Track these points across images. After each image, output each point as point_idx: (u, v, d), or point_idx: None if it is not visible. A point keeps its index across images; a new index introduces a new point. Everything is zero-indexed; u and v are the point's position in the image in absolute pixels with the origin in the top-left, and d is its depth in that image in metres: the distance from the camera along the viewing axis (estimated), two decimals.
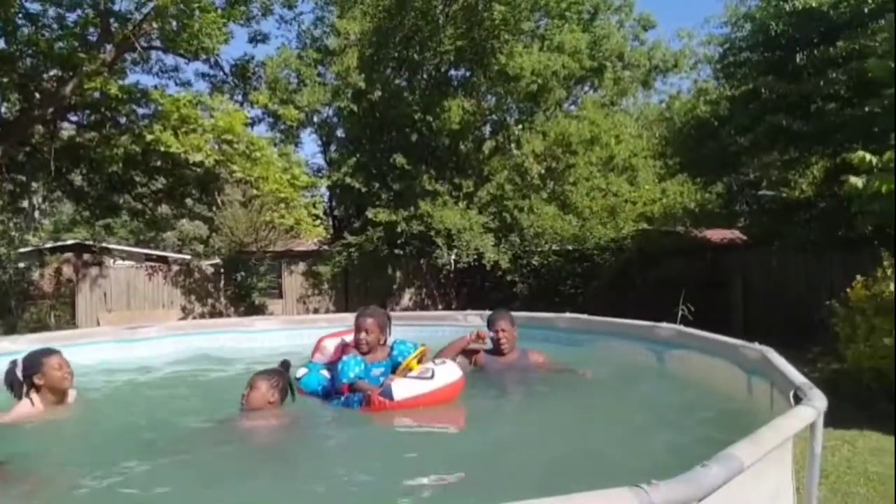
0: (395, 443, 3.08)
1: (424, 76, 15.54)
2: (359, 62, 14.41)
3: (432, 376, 3.41)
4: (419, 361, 3.69)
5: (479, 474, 2.58)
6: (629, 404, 3.67)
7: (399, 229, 14.22)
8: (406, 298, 16.38)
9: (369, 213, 14.48)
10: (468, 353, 4.46)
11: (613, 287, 12.51)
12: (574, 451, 2.83)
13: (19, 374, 3.48)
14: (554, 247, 14.31)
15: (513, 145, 14.82)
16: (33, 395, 3.44)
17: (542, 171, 14.41)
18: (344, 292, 16.16)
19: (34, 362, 3.50)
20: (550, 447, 2.92)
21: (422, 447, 3.00)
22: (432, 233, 14.10)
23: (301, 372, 3.88)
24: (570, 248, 14.23)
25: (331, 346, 4.21)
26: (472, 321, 5.77)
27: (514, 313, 4.69)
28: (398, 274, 16.45)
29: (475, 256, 13.95)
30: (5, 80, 12.69)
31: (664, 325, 4.48)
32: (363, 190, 14.70)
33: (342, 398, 3.58)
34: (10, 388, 3.52)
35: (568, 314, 5.47)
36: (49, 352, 3.57)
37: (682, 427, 3.19)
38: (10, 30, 11.83)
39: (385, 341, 4.01)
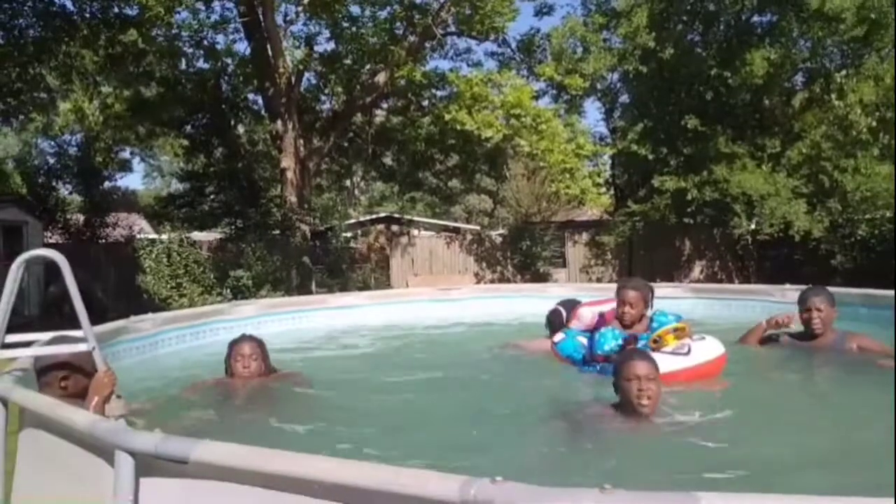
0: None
1: (721, 27, 14.14)
2: (648, 21, 13.68)
3: (688, 352, 3.28)
4: (677, 338, 3.44)
5: (748, 462, 2.23)
6: None
7: (689, 197, 13.34)
8: (696, 271, 15.35)
9: (655, 181, 13.84)
10: (767, 340, 3.96)
11: None
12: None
13: (564, 317, 4.21)
14: (888, 213, 11.96)
15: (833, 96, 12.67)
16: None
17: (874, 124, 12.10)
18: (627, 263, 15.75)
19: (570, 310, 4.25)
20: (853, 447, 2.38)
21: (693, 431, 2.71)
22: (728, 199, 12.91)
23: (559, 337, 3.99)
24: None
25: (587, 314, 4.17)
26: (790, 298, 5.06)
27: (837, 289, 4.08)
28: (687, 244, 15.48)
29: (781, 225, 12.39)
30: (333, 76, 15.04)
31: None
32: (650, 157, 14.04)
33: (598, 366, 3.60)
34: (551, 326, 4.22)
35: None
36: (576, 302, 4.27)
37: None
38: (337, 32, 13.87)
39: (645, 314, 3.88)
